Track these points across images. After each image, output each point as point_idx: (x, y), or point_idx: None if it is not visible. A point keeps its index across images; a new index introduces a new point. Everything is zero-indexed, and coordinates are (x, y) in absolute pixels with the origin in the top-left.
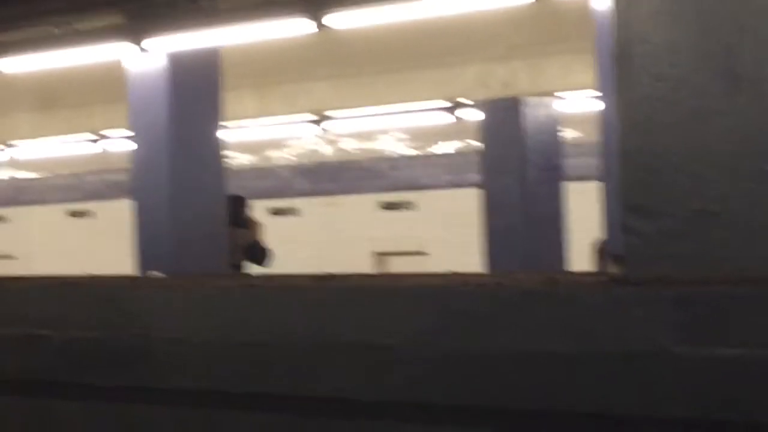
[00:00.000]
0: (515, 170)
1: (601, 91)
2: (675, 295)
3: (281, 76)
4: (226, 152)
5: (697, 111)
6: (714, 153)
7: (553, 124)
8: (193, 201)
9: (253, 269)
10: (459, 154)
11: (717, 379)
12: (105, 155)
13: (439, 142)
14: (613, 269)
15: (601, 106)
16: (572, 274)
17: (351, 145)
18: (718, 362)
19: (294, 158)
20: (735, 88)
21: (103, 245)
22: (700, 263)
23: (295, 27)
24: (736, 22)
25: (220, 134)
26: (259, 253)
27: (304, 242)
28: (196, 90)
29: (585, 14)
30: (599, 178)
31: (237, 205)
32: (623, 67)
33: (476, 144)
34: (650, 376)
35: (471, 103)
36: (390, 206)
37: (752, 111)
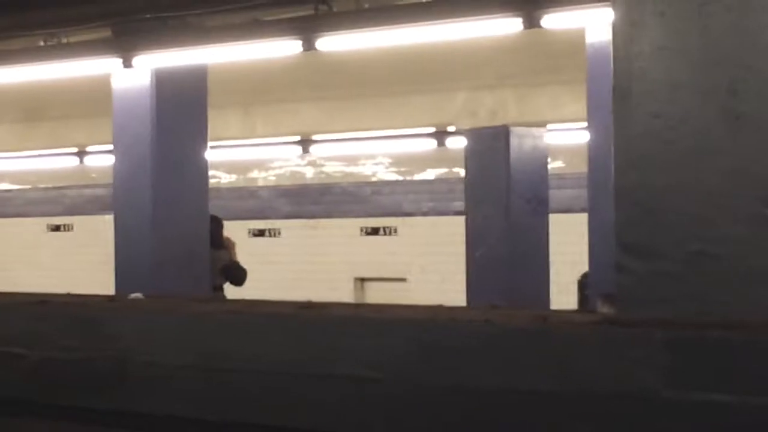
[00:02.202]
0: (500, 200)
1: (590, 124)
2: (667, 337)
3: (267, 97)
4: (210, 172)
5: (696, 150)
6: (713, 193)
7: (540, 155)
8: (176, 219)
9: (230, 290)
10: (444, 181)
11: (705, 425)
12: (87, 169)
13: (426, 169)
14: (603, 308)
15: (589, 138)
16: (562, 312)
17: (335, 169)
18: (708, 408)
19: (276, 180)
20: (737, 128)
21: (82, 260)
22: (695, 306)
23: (284, 48)
24: (740, 61)
25: (204, 153)
26: (237, 274)
27: (284, 264)
28: (182, 108)
29: (577, 45)
30: (585, 210)
31: (213, 225)
32: (621, 103)
33: (461, 172)
34: (638, 418)
35: (458, 130)
36: (372, 231)
37: (754, 152)
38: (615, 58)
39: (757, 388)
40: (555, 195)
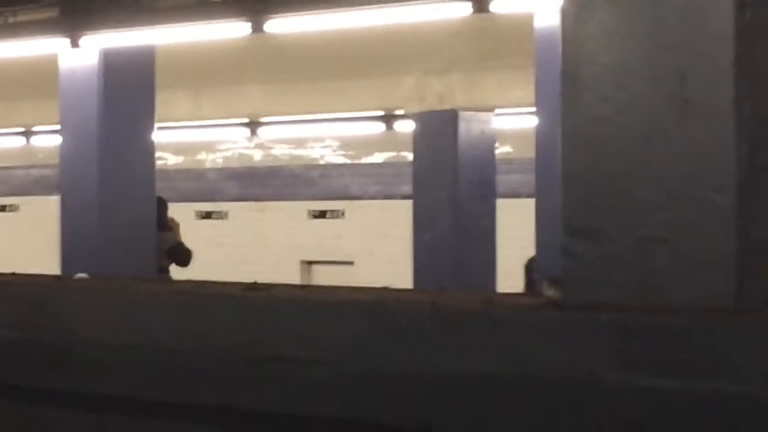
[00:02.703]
0: (447, 184)
1: (538, 109)
2: (612, 322)
3: (216, 79)
4: (157, 153)
5: (645, 135)
6: (661, 179)
7: (488, 140)
8: (122, 201)
9: (177, 271)
10: (391, 164)
11: (650, 409)
12: (33, 149)
13: (374, 153)
14: (549, 292)
15: (537, 122)
16: (509, 295)
17: (282, 152)
18: (653, 392)
19: (223, 162)
20: (685, 113)
21: (28, 241)
22: (641, 291)
23: (232, 30)
24: (689, 46)
25: (152, 134)
26: (182, 255)
27: (231, 247)
28: (130, 88)
29: (525, 30)
30: (532, 196)
31: (159, 207)
32: (570, 87)
33: (409, 156)
34: (583, 402)
35: (406, 114)
36: (319, 215)
37: (702, 138)
38: (564, 41)
39: (701, 372)
40: (503, 180)
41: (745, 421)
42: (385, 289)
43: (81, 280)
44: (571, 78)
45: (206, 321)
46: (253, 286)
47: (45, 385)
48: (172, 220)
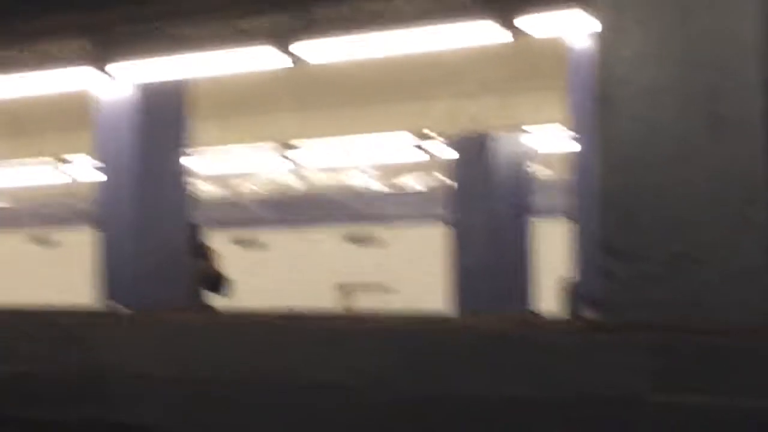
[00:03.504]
0: (483, 206)
1: (572, 129)
2: (651, 342)
3: (250, 107)
4: (193, 182)
5: (678, 153)
6: (696, 196)
7: (522, 161)
8: (158, 231)
9: (213, 299)
10: (427, 189)
11: (691, 427)
12: (71, 183)
13: (408, 177)
14: (588, 314)
15: (572, 144)
16: (546, 318)
17: (319, 178)
18: (691, 410)
19: (262, 190)
20: (718, 131)
21: (66, 274)
22: (678, 309)
23: (265, 59)
24: (719, 64)
25: (186, 163)
26: (218, 283)
27: (268, 274)
28: (163, 119)
29: (558, 51)
30: (569, 217)
31: (193, 233)
32: (604, 108)
33: (445, 179)
34: (624, 422)
35: (441, 138)
36: (356, 240)
37: (735, 154)
38: (599, 64)
39: (740, 390)
40: (539, 200)
41: None
42: (420, 316)
43: (114, 311)
44: (605, 99)
45: (242, 349)
46: (288, 315)
47: (78, 416)
48: (209, 248)
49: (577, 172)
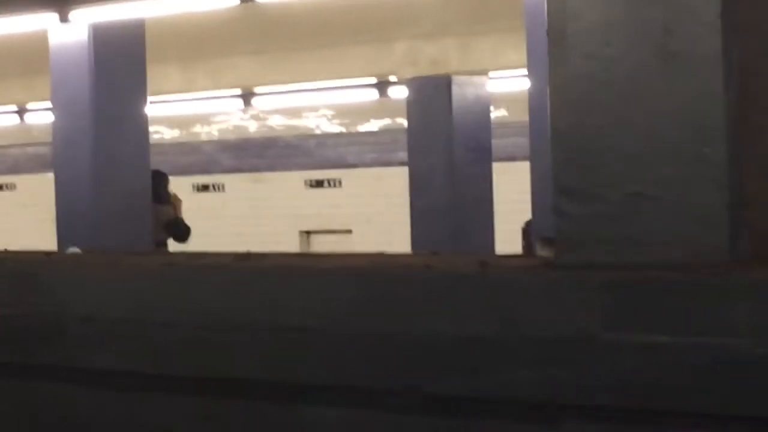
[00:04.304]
0: (443, 149)
1: (530, 71)
2: (604, 280)
3: (207, 51)
4: (150, 127)
5: (632, 91)
6: (650, 135)
7: (482, 104)
8: (117, 176)
9: (175, 245)
10: (386, 132)
11: (644, 366)
12: (27, 128)
13: (369, 120)
14: (543, 252)
15: (530, 85)
16: (503, 257)
17: (277, 122)
18: (646, 349)
19: (219, 134)
20: (672, 67)
21: (24, 219)
22: (633, 248)
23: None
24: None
25: (144, 108)
26: (180, 230)
27: (229, 219)
28: (120, 63)
29: None
30: (528, 159)
31: (157, 180)
32: (555, 46)
33: (404, 122)
34: (577, 362)
35: (399, 80)
36: (316, 184)
37: (690, 91)
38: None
39: (692, 328)
40: (498, 144)
41: (736, 374)
42: (378, 255)
43: (71, 254)
44: (555, 36)
45: (197, 292)
46: (243, 256)
47: (35, 360)
48: (175, 196)
49: (532, 113)
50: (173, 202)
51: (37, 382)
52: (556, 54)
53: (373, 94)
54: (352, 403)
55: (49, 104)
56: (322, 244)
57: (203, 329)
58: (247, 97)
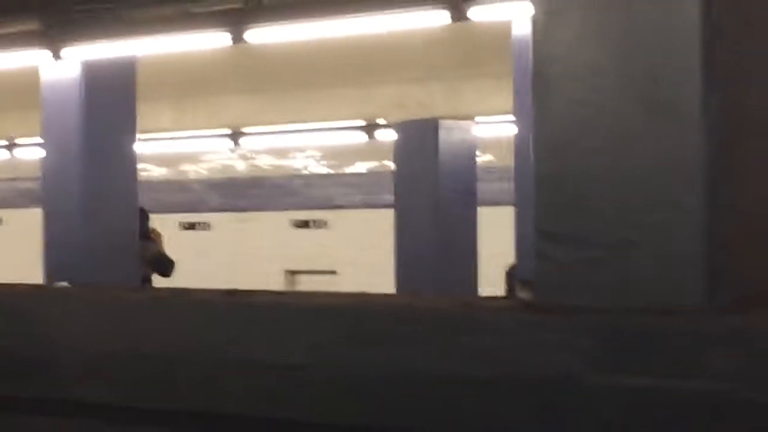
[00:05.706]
0: (429, 192)
1: (516, 116)
2: (586, 323)
3: (198, 90)
4: (140, 164)
5: (615, 137)
6: (633, 182)
7: (468, 148)
8: (105, 212)
9: (159, 281)
10: (374, 174)
11: (625, 409)
12: (17, 162)
13: (355, 162)
14: (522, 294)
15: (516, 130)
16: (486, 299)
17: (265, 162)
18: (627, 392)
19: (207, 173)
20: (655, 115)
21: (11, 254)
22: (616, 293)
23: (213, 40)
24: (659, 46)
25: (134, 145)
26: (165, 264)
27: (214, 257)
28: (111, 100)
29: (503, 38)
30: (513, 203)
31: (140, 217)
32: (540, 90)
33: (391, 165)
34: (558, 403)
35: (387, 123)
36: (303, 224)
37: (672, 139)
38: (535, 43)
39: (672, 372)
40: (484, 188)
41: (716, 418)
42: (362, 294)
43: (60, 287)
44: (541, 81)
45: (186, 326)
46: (232, 292)
47: (23, 393)
48: (155, 230)
49: (516, 157)
50: (154, 237)
51: (25, 416)
52: (540, 98)
53: (362, 137)
54: None
55: (39, 139)
56: (307, 284)
57: (192, 364)
58: (236, 136)
